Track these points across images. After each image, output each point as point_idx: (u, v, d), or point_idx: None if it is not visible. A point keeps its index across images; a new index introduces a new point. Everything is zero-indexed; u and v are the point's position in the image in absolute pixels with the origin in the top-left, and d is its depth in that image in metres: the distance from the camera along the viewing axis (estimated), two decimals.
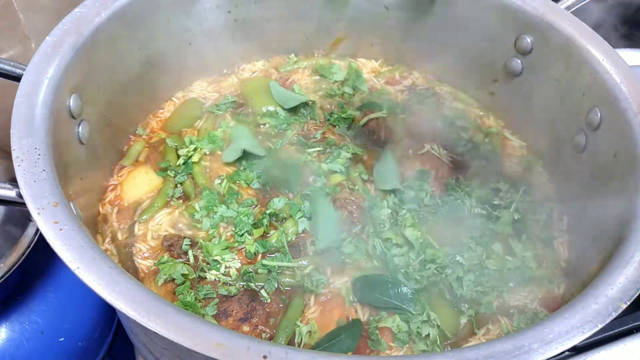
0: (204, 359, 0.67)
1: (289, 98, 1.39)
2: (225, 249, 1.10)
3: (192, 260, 1.09)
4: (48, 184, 0.82)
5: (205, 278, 1.07)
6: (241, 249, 1.11)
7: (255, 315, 1.02)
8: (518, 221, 1.21)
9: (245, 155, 1.26)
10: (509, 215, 1.20)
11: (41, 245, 1.19)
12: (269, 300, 1.05)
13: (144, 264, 1.10)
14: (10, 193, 0.87)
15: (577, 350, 1.06)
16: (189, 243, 1.11)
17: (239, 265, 1.09)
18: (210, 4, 1.34)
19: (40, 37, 1.04)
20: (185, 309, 0.95)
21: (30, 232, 1.24)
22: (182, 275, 1.05)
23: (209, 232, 1.14)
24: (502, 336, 0.88)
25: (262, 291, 1.05)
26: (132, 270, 1.10)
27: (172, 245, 1.10)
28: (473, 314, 1.08)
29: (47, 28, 1.04)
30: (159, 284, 1.04)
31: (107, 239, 1.14)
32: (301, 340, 1.00)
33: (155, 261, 1.09)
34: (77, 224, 0.78)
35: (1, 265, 1.19)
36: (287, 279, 1.07)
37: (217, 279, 1.06)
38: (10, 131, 0.87)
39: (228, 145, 1.30)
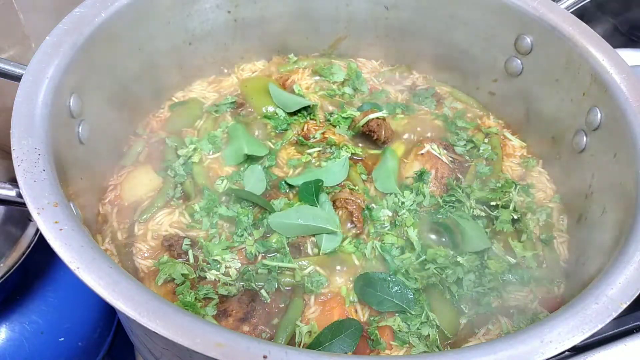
0: (204, 359, 0.67)
1: (290, 101, 1.38)
2: (225, 249, 1.10)
3: (192, 260, 1.09)
4: (48, 184, 0.82)
5: (205, 278, 1.07)
6: (241, 248, 1.12)
7: (255, 315, 1.02)
8: (517, 221, 1.21)
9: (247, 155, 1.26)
10: (507, 213, 1.20)
11: (41, 245, 1.19)
12: (269, 300, 1.05)
13: (144, 264, 1.10)
14: (10, 193, 0.87)
15: (577, 350, 1.06)
16: (189, 243, 1.11)
17: (239, 265, 1.09)
18: (210, 4, 1.34)
19: (40, 37, 1.03)
20: (186, 309, 0.95)
21: (30, 232, 1.24)
22: (182, 275, 1.05)
23: (209, 232, 1.14)
24: (502, 336, 0.88)
25: (262, 291, 1.05)
26: (132, 270, 1.10)
27: (172, 245, 1.10)
28: (473, 314, 1.08)
29: (47, 28, 1.04)
30: (159, 284, 1.04)
31: (107, 239, 1.14)
32: (301, 340, 1.00)
33: (155, 261, 1.09)
34: (77, 224, 0.78)
35: (1, 265, 1.18)
36: (287, 279, 1.07)
37: (217, 279, 1.06)
38: (10, 131, 0.87)
39: (227, 145, 1.30)
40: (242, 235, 1.12)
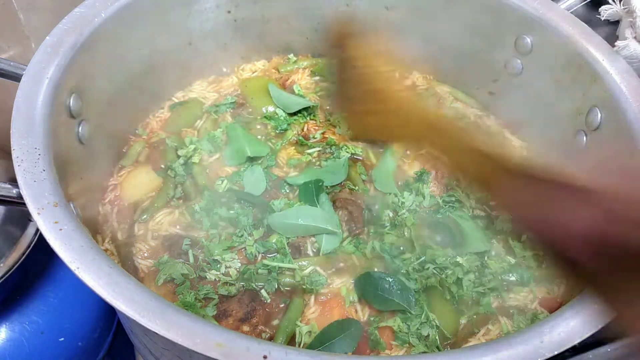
0: (204, 359, 0.67)
1: (290, 102, 1.38)
2: (226, 249, 1.10)
3: (192, 260, 1.09)
4: (48, 184, 0.82)
5: (206, 278, 1.07)
6: (241, 248, 1.11)
7: (255, 315, 1.02)
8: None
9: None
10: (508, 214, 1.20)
11: (41, 245, 1.19)
12: (269, 301, 1.05)
13: (144, 263, 1.10)
14: (10, 193, 0.87)
15: (577, 350, 1.06)
16: (189, 243, 1.10)
17: (239, 265, 1.09)
18: (210, 4, 1.34)
19: (40, 37, 1.04)
20: (186, 309, 0.95)
21: (30, 232, 1.24)
22: (182, 275, 1.05)
23: (210, 233, 1.13)
24: (502, 336, 0.88)
25: (263, 291, 1.05)
26: (132, 270, 1.10)
27: (172, 246, 1.10)
28: (473, 315, 1.08)
29: (47, 28, 1.04)
30: (159, 284, 1.04)
31: (107, 239, 1.14)
32: (301, 340, 1.00)
33: (155, 261, 1.09)
34: (77, 224, 0.78)
35: (1, 265, 1.18)
36: (287, 279, 1.07)
37: (217, 279, 1.06)
38: (10, 131, 0.87)
39: (227, 145, 1.30)
40: (242, 235, 1.12)
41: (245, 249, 1.11)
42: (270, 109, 1.38)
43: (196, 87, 1.46)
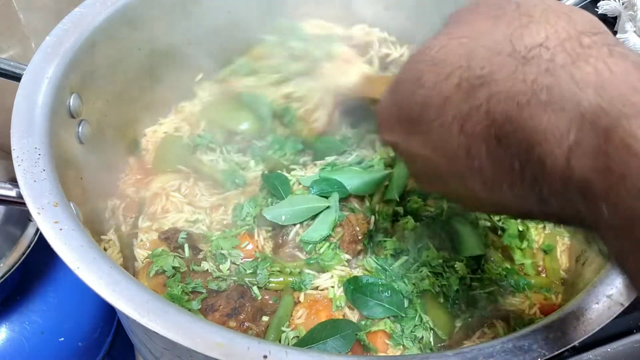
0: (204, 358, 0.67)
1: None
2: (235, 247, 1.09)
3: (187, 254, 1.08)
4: (48, 184, 0.82)
5: (197, 272, 1.05)
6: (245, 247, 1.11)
7: (242, 312, 1.00)
8: (522, 232, 1.17)
9: None
10: (515, 226, 1.17)
11: (41, 245, 1.19)
12: (259, 298, 1.03)
13: (142, 253, 1.11)
14: (10, 193, 0.87)
15: (577, 350, 1.06)
16: (185, 237, 1.10)
17: (242, 258, 1.08)
18: (210, 4, 1.34)
19: (40, 37, 1.04)
20: (173, 301, 0.94)
21: (30, 232, 1.24)
22: (173, 268, 1.04)
23: (211, 230, 1.14)
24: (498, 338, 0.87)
25: (255, 288, 1.04)
26: (130, 259, 1.11)
27: (168, 239, 1.10)
28: (468, 317, 1.06)
29: (47, 28, 1.04)
30: (151, 276, 1.03)
31: (112, 230, 1.14)
32: (288, 344, 0.98)
33: (150, 253, 1.08)
34: (77, 224, 0.78)
35: (1, 265, 1.18)
36: (277, 278, 1.06)
37: (211, 271, 1.05)
38: (10, 131, 0.87)
39: None
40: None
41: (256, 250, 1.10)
42: None
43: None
